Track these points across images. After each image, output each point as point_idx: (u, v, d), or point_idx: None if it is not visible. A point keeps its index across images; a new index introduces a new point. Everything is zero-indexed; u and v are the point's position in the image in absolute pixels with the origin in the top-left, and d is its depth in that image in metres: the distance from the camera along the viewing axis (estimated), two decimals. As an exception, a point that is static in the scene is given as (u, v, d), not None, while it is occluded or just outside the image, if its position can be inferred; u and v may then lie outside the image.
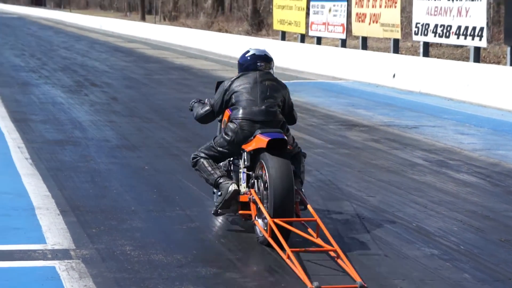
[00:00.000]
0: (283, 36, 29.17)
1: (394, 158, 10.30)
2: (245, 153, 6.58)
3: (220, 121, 7.06)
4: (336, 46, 25.80)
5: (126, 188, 8.24)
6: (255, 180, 6.48)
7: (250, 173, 6.56)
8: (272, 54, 7.38)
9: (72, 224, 6.82)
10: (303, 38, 27.61)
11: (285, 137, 6.41)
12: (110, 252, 6.12)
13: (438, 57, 23.90)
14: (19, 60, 24.95)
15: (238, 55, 29.55)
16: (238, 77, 6.84)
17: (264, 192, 6.33)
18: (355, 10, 23.69)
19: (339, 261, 5.84)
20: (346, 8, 24.33)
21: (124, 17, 67.40)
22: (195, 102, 7.21)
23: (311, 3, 26.26)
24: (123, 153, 10.12)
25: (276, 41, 28.92)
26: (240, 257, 6.14)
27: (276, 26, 29.31)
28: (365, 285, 5.38)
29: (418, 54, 22.84)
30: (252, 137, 6.50)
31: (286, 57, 25.69)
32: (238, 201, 6.57)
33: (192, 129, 11.86)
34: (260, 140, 6.37)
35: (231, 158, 6.86)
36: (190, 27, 44.07)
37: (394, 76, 19.85)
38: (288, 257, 5.82)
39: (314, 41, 26.91)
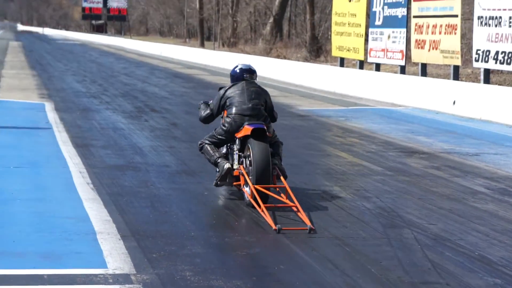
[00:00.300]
0: (342, 62, 29.15)
1: (455, 186, 10.18)
2: (237, 139, 8.84)
3: (222, 117, 9.16)
4: (395, 72, 25.69)
5: (186, 214, 8.29)
6: (244, 159, 8.70)
7: (241, 153, 8.75)
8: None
9: (132, 249, 6.88)
10: (361, 64, 27.56)
11: (265, 127, 8.60)
12: (170, 277, 6.15)
13: (499, 84, 23.62)
14: (81, 86, 25.35)
15: (297, 81, 29.53)
16: (230, 87, 9.08)
17: (250, 167, 8.50)
18: (414, 36, 23.58)
19: (299, 214, 7.97)
20: (405, 35, 24.24)
21: (183, 44, 68.13)
22: (202, 104, 9.47)
23: (370, 29, 26.22)
24: (182, 179, 10.19)
25: (334, 68, 28.90)
26: (300, 284, 6.12)
27: (335, 52, 29.31)
28: (313, 228, 7.54)
29: (478, 81, 22.61)
30: (242, 127, 8.71)
31: (344, 84, 25.67)
32: (232, 175, 8.75)
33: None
34: (246, 129, 8.62)
35: (228, 144, 9.03)
36: (249, 54, 44.33)
37: (454, 103, 19.67)
38: (262, 211, 7.94)
39: (373, 68, 26.83)
